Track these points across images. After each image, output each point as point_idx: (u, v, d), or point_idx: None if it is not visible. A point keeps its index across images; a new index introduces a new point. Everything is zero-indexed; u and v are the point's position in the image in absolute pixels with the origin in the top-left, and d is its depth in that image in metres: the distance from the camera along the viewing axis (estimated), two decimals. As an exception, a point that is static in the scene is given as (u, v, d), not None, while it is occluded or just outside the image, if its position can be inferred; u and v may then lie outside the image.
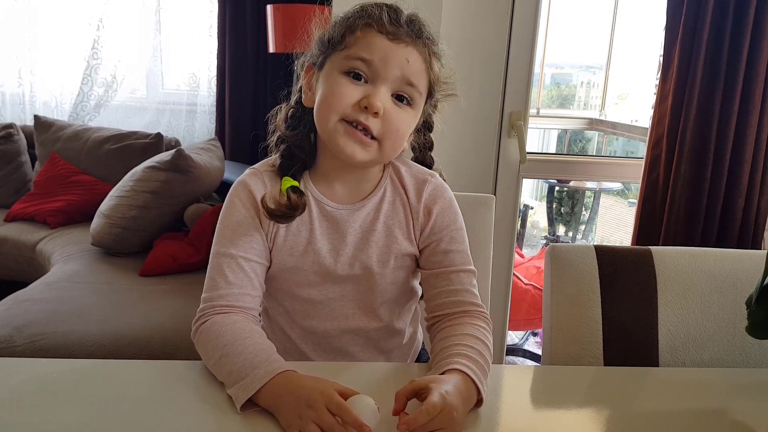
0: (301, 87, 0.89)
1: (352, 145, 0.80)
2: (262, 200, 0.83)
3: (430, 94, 0.86)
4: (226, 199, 0.87)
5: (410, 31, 0.81)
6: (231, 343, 0.75)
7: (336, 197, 0.88)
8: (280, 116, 0.91)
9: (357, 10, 0.82)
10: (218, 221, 0.86)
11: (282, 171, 0.86)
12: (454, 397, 0.67)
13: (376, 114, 0.79)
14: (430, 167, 0.96)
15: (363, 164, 0.84)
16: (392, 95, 0.81)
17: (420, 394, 0.68)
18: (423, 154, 0.96)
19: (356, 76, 0.80)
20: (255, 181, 0.87)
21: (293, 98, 0.91)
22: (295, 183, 0.85)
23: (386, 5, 0.82)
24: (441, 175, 0.94)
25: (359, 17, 0.81)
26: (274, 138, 0.90)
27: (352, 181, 0.88)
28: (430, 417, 0.64)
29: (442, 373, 0.73)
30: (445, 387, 0.68)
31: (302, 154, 0.87)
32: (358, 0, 0.84)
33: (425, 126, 0.94)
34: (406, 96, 0.82)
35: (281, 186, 0.84)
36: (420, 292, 0.98)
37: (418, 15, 0.83)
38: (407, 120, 0.83)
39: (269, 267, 0.88)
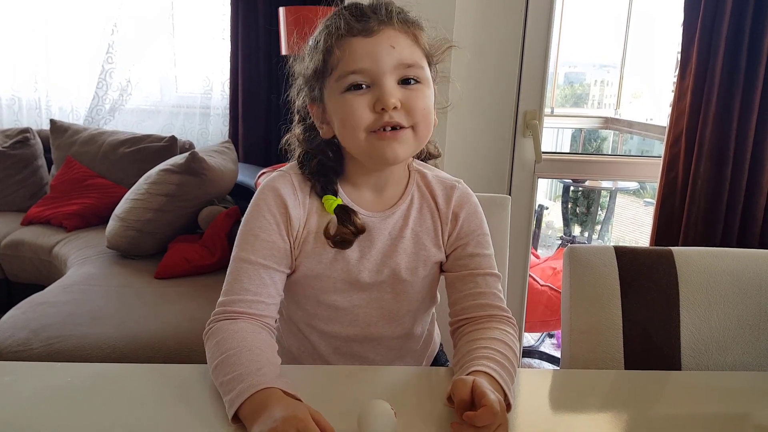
0: (302, 114, 0.89)
1: (391, 147, 0.79)
2: (326, 231, 0.83)
3: (431, 61, 0.84)
4: (252, 200, 0.86)
5: (379, 16, 0.79)
6: (228, 351, 0.74)
7: (365, 204, 0.87)
8: (297, 134, 0.90)
9: (322, 30, 0.81)
10: (242, 222, 0.85)
11: (321, 190, 0.85)
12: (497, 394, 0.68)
13: (395, 108, 0.78)
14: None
15: (406, 159, 0.84)
16: (399, 82, 0.79)
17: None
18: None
19: (357, 87, 0.79)
20: (285, 184, 0.85)
21: (297, 128, 0.90)
22: (339, 200, 0.84)
23: (344, 8, 0.81)
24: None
25: (328, 35, 0.80)
26: (297, 153, 0.89)
27: (381, 186, 0.87)
28: (494, 417, 0.63)
29: (467, 375, 0.72)
30: (488, 387, 0.67)
31: (331, 162, 0.86)
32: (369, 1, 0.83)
33: None
34: (412, 77, 0.80)
35: (326, 207, 0.84)
36: (439, 298, 0.97)
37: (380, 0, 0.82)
38: (425, 95, 0.81)
39: (293, 272, 0.87)
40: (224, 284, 0.83)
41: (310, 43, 0.83)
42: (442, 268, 0.91)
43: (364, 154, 0.82)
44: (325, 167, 0.86)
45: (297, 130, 0.90)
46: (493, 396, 0.65)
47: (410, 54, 0.80)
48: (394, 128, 0.78)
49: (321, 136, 0.86)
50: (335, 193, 0.85)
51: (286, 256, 0.84)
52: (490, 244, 0.90)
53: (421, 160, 0.95)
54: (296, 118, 0.91)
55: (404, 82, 0.80)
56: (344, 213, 0.83)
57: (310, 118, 0.88)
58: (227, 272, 0.83)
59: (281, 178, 0.86)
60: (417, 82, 0.80)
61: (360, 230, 0.84)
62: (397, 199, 0.88)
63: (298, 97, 0.88)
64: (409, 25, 0.81)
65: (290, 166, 0.89)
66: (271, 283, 0.83)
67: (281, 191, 0.84)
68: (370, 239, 0.86)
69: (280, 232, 0.83)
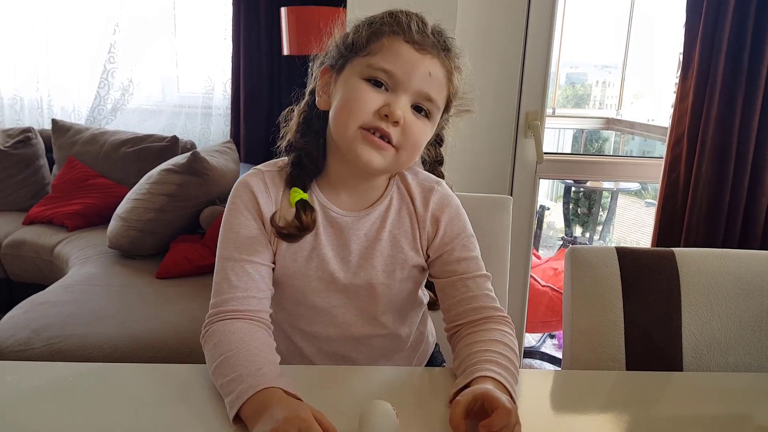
0: (313, 90, 0.88)
1: (370, 152, 0.78)
2: (272, 219, 0.83)
3: (447, 108, 0.85)
4: (228, 200, 0.86)
5: (436, 42, 0.80)
6: (227, 353, 0.74)
7: (341, 204, 0.86)
8: (292, 122, 0.89)
9: (385, 16, 0.81)
10: (222, 223, 0.85)
11: (292, 181, 0.85)
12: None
13: (396, 123, 0.78)
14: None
15: (378, 172, 0.83)
16: (412, 105, 0.80)
17: (470, 406, 0.67)
18: (433, 167, 0.95)
19: (377, 83, 0.78)
20: (256, 181, 0.85)
21: (303, 101, 0.89)
22: (304, 195, 0.84)
23: (415, 14, 0.81)
24: (449, 186, 0.92)
25: (387, 23, 0.79)
26: (284, 142, 0.89)
27: (359, 189, 0.87)
28: (510, 416, 0.64)
29: (472, 380, 0.72)
30: (496, 393, 0.67)
31: (312, 164, 0.86)
32: (374, 2, 0.83)
33: (436, 140, 0.93)
34: (425, 109, 0.81)
35: (290, 198, 0.83)
36: (425, 301, 0.97)
37: (443, 27, 0.82)
38: (425, 132, 0.82)
39: (274, 269, 0.87)
40: (213, 285, 0.83)
41: (364, 19, 0.82)
42: (430, 274, 0.90)
43: (344, 144, 0.80)
44: (303, 164, 0.85)
45: (296, 115, 0.89)
46: (503, 397, 0.66)
47: (438, 91, 0.80)
48: (382, 137, 0.78)
49: (317, 104, 0.85)
50: (305, 189, 0.85)
51: (268, 249, 0.84)
52: (475, 245, 0.89)
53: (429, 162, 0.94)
54: (310, 84, 0.88)
55: (417, 108, 0.80)
56: (302, 207, 0.83)
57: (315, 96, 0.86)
58: (215, 273, 0.83)
59: (253, 175, 0.86)
60: (426, 116, 0.81)
61: (305, 227, 0.82)
62: (375, 200, 0.88)
63: (316, 60, 0.87)
64: (452, 67, 0.82)
65: (266, 164, 0.89)
66: (259, 278, 0.83)
67: (253, 187, 0.84)
68: (344, 238, 0.86)
69: (258, 227, 0.84)
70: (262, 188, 0.85)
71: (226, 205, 0.86)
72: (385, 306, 0.89)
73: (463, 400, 0.67)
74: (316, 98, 0.86)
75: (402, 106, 0.78)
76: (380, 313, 0.90)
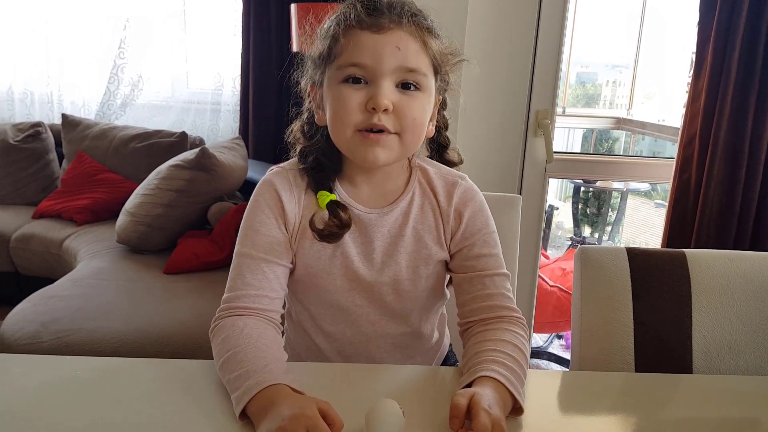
0: (310, 106, 0.88)
1: (373, 150, 0.78)
2: (311, 222, 0.83)
3: (437, 71, 0.83)
4: (251, 197, 0.86)
5: (393, 15, 0.77)
6: (234, 348, 0.74)
7: (363, 200, 0.86)
8: (295, 130, 0.90)
9: (335, 16, 0.80)
10: (242, 219, 0.85)
11: (316, 185, 0.85)
12: (497, 409, 0.66)
13: (386, 111, 0.77)
14: (446, 147, 0.94)
15: (388, 164, 0.82)
16: (398, 85, 0.78)
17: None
18: (438, 133, 0.93)
19: (355, 81, 0.78)
20: (281, 180, 0.85)
21: (304, 115, 0.90)
22: (333, 196, 0.84)
23: None
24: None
25: (337, 23, 0.79)
26: (297, 149, 0.89)
27: (378, 182, 0.87)
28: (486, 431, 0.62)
29: (475, 380, 0.72)
30: (486, 402, 0.66)
31: (330, 161, 0.86)
32: None
33: (440, 104, 0.90)
34: (412, 82, 0.79)
35: (319, 202, 0.84)
36: (448, 295, 0.96)
37: None
38: (420, 106, 0.80)
39: (294, 269, 0.86)
40: (228, 281, 0.83)
41: (324, 25, 0.83)
42: (448, 267, 0.90)
43: (347, 151, 0.81)
44: (322, 164, 0.85)
45: (297, 125, 0.90)
46: (485, 419, 0.63)
47: (415, 59, 0.78)
48: (380, 131, 0.78)
49: (316, 122, 0.86)
50: (330, 189, 0.85)
51: (287, 250, 0.84)
52: (497, 242, 0.88)
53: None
54: (306, 102, 0.89)
55: (404, 86, 0.78)
56: (335, 208, 0.83)
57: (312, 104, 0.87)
58: (230, 269, 0.84)
59: (278, 173, 0.86)
60: (417, 89, 0.79)
61: (345, 224, 0.82)
62: (397, 196, 0.87)
63: (303, 77, 0.88)
64: (421, 30, 0.79)
65: (290, 162, 0.89)
66: (273, 278, 0.82)
67: (277, 186, 0.84)
68: (368, 235, 0.85)
69: (279, 226, 0.83)
70: (286, 187, 0.85)
71: (249, 202, 0.86)
72: (410, 303, 0.89)
73: (460, 416, 0.65)
74: (315, 116, 0.86)
75: (385, 93, 0.76)
76: (407, 311, 0.89)
